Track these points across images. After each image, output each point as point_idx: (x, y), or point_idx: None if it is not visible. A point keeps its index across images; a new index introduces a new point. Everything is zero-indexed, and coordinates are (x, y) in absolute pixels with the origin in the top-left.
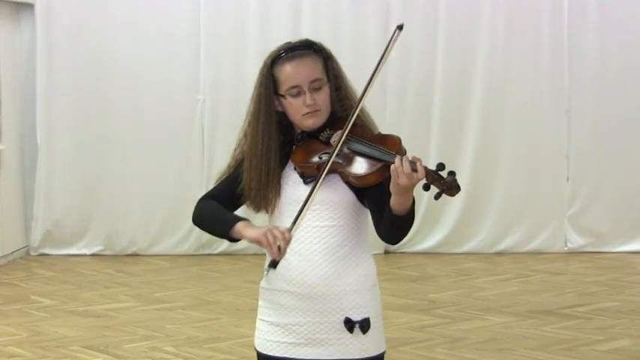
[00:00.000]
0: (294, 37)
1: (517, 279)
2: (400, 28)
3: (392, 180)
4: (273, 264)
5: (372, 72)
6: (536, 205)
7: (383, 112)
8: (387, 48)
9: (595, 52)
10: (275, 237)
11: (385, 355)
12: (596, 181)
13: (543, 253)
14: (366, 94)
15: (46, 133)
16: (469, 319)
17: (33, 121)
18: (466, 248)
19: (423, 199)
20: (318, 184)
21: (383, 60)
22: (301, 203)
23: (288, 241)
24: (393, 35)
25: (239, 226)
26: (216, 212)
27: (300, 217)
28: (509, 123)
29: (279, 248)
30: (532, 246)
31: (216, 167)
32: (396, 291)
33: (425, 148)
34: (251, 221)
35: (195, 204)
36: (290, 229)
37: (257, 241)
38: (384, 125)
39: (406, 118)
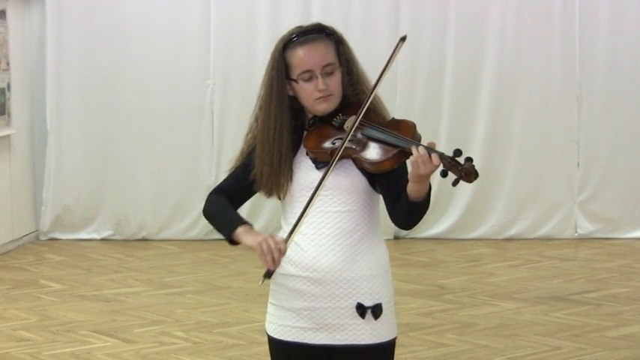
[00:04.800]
0: (304, 22)
1: (527, 265)
2: (403, 39)
3: (412, 170)
4: (268, 274)
5: (379, 73)
6: (547, 191)
7: (393, 97)
8: (390, 59)
9: (606, 38)
10: (269, 247)
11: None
12: (607, 167)
13: (553, 239)
14: (378, 83)
15: (55, 118)
16: (479, 304)
17: (43, 106)
18: (476, 234)
19: (433, 185)
20: (330, 170)
21: (386, 69)
22: (313, 189)
23: (282, 253)
24: (397, 47)
25: (239, 230)
26: (222, 212)
27: (297, 227)
28: (520, 109)
29: (273, 259)
30: (542, 232)
31: (226, 152)
32: (405, 276)
33: (435, 134)
34: (252, 226)
35: (205, 191)
36: (286, 241)
37: (254, 248)
38: (394, 110)
39: (416, 104)
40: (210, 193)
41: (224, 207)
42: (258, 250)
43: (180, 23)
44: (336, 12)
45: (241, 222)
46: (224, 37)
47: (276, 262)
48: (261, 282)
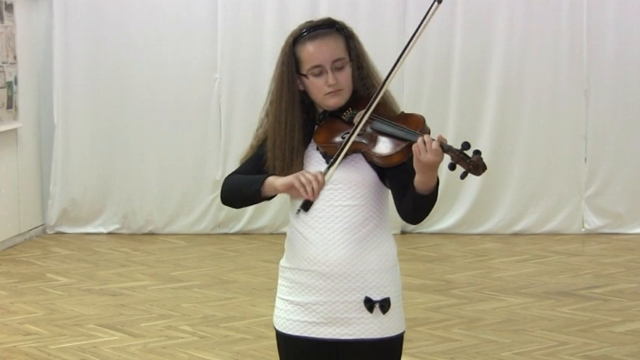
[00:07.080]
0: (311, 15)
1: (534, 260)
2: (439, 1)
3: (414, 157)
4: (306, 206)
5: (402, 49)
6: (554, 186)
7: (401, 91)
8: (422, 21)
9: (614, 33)
10: (308, 179)
11: None
12: (614, 162)
13: (560, 234)
14: (393, 73)
15: (62, 112)
16: (486, 299)
17: (50, 100)
18: (483, 229)
19: (440, 179)
20: (337, 162)
21: (418, 33)
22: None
23: (321, 185)
24: (431, 8)
25: (270, 179)
26: (244, 178)
27: (334, 165)
28: (527, 103)
29: (313, 190)
30: (549, 227)
31: (233, 146)
32: (412, 271)
33: (442, 129)
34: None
35: (212, 185)
36: (324, 174)
37: (290, 185)
38: (401, 106)
39: (424, 98)
40: (225, 178)
41: (244, 176)
42: (296, 183)
43: (187, 17)
44: (343, 6)
45: (267, 175)
46: (231, 30)
47: (315, 193)
48: (297, 212)
